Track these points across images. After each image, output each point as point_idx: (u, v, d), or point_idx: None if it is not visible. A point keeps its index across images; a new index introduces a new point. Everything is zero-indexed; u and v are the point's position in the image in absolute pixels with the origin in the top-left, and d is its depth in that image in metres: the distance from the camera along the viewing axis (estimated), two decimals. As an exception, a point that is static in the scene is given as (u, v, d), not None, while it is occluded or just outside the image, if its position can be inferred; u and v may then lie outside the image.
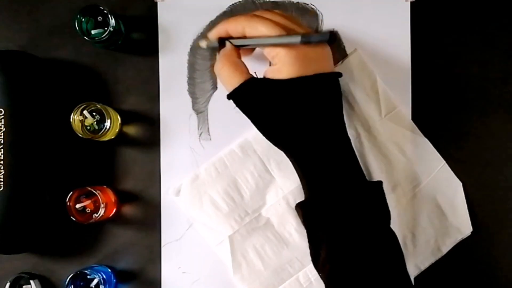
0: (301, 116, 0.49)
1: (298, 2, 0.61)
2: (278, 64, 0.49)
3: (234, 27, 0.51)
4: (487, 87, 0.61)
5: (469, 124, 0.61)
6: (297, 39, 0.48)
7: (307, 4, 0.61)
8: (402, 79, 0.61)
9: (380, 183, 0.51)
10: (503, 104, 0.61)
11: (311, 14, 0.61)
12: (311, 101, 0.49)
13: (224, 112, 0.61)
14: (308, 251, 0.51)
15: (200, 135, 0.61)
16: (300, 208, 0.51)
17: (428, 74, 0.61)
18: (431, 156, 0.60)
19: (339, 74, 0.51)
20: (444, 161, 0.60)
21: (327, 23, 0.61)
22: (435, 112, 0.61)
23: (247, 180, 0.59)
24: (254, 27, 0.50)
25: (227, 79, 0.51)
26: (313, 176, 0.50)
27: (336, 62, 0.60)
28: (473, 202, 0.60)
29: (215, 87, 0.61)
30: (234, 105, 0.60)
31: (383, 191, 0.51)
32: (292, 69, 0.48)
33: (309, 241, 0.50)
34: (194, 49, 0.61)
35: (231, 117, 0.60)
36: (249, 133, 0.60)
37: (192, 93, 0.61)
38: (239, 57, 0.52)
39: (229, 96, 0.51)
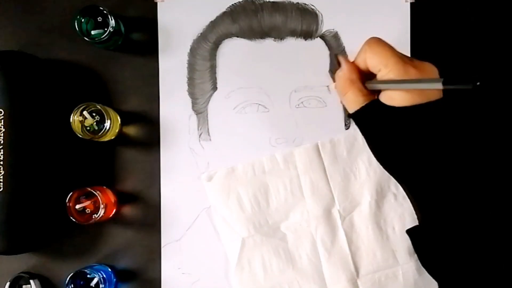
0: (415, 143, 0.48)
1: (298, 2, 0.61)
2: (389, 91, 0.49)
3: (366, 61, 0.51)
4: (487, 86, 0.61)
5: (468, 124, 0.61)
6: (438, 84, 0.44)
7: (307, 4, 0.61)
8: (402, 80, 0.61)
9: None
10: (503, 104, 0.61)
11: (311, 14, 0.61)
12: (426, 128, 0.48)
13: (224, 112, 0.61)
14: (310, 278, 0.54)
15: (200, 135, 0.61)
16: (411, 234, 0.51)
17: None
18: None
19: (444, 100, 0.49)
20: None
21: (327, 23, 0.61)
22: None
23: (278, 191, 0.59)
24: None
25: (352, 103, 0.51)
26: (426, 203, 0.49)
27: (337, 64, 0.60)
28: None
29: (214, 88, 0.61)
30: (234, 105, 0.61)
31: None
32: (405, 97, 0.48)
33: (423, 266, 0.50)
34: (194, 49, 0.61)
35: (231, 117, 0.61)
36: (297, 148, 0.60)
37: (192, 93, 0.61)
38: (359, 76, 0.52)
39: (351, 115, 0.52)
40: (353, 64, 0.53)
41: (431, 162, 0.48)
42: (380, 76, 0.50)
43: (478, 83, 0.41)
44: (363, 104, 0.50)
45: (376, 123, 0.50)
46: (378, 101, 0.50)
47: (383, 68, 0.49)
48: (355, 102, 0.51)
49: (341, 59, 0.53)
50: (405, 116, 0.48)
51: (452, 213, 0.48)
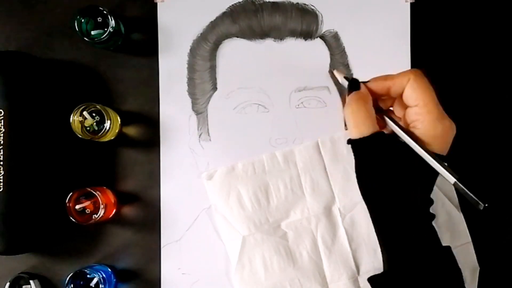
0: (402, 186, 0.48)
1: (298, 3, 0.61)
2: (420, 129, 0.48)
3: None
4: (487, 87, 0.61)
5: (468, 124, 0.61)
6: (451, 179, 0.47)
7: (307, 5, 0.61)
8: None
9: (449, 248, 0.50)
10: (503, 105, 0.61)
11: (311, 14, 0.61)
12: (417, 175, 0.48)
13: (224, 112, 0.61)
14: (311, 276, 0.55)
15: (200, 135, 0.61)
16: (374, 282, 0.50)
17: (428, 75, 0.61)
18: (460, 230, 0.59)
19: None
20: (470, 240, 0.59)
21: (327, 24, 0.61)
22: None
23: (278, 189, 0.59)
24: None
25: (357, 125, 0.49)
26: (392, 246, 0.49)
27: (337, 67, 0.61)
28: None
29: (214, 88, 0.61)
30: (234, 105, 0.61)
31: (453, 255, 0.49)
32: (434, 145, 0.48)
33: None
34: (194, 50, 0.61)
35: (230, 117, 0.61)
36: (297, 146, 0.60)
37: (191, 93, 0.61)
38: (373, 105, 0.50)
39: (351, 142, 0.50)
40: (370, 96, 0.51)
41: (407, 205, 0.48)
42: (414, 112, 0.49)
43: (486, 205, 0.44)
44: (368, 133, 0.48)
45: (374, 157, 0.49)
46: (382, 134, 0.49)
47: (422, 105, 0.48)
48: (361, 125, 0.49)
49: (362, 85, 0.51)
50: (408, 156, 0.48)
51: (417, 260, 0.48)
